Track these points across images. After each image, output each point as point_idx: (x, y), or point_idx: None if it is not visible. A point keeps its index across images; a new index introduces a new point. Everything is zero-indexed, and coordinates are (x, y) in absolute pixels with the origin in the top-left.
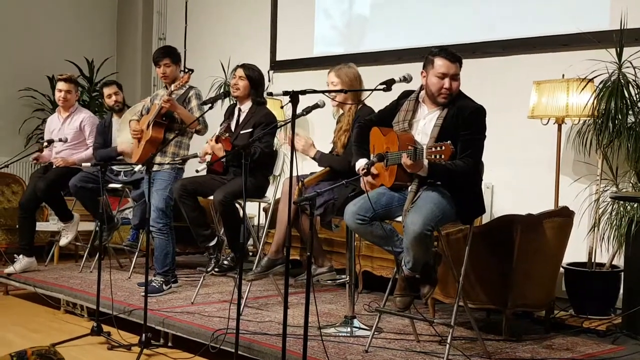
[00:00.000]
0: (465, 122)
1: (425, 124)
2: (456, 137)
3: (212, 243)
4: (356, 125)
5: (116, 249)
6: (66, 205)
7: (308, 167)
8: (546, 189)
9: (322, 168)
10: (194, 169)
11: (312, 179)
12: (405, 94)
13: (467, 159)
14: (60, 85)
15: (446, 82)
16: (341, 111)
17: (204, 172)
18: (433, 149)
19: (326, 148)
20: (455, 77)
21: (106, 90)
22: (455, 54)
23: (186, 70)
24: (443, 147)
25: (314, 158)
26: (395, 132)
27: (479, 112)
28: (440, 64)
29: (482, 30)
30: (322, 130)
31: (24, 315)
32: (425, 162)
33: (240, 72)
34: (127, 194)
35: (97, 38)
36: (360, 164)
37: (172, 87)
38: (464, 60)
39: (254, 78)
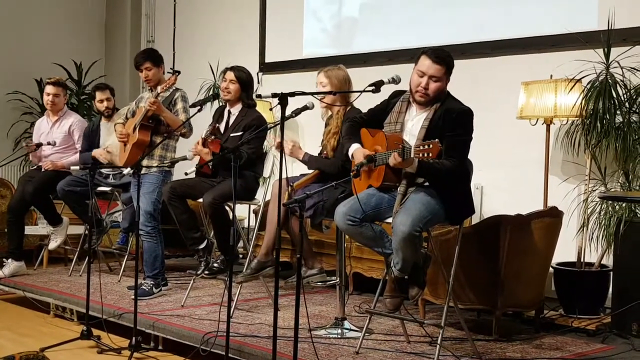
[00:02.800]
0: (452, 124)
1: (413, 125)
2: (442, 138)
3: (202, 246)
4: (346, 121)
5: (106, 253)
6: (55, 209)
7: (298, 169)
8: (535, 189)
9: (312, 170)
10: (183, 171)
11: (301, 182)
12: (396, 94)
13: (452, 159)
14: (49, 88)
15: (423, 81)
16: (330, 113)
17: (193, 175)
18: (421, 147)
19: (316, 150)
20: (435, 79)
21: (98, 95)
22: (444, 56)
23: (173, 71)
24: (431, 145)
25: (302, 160)
26: (384, 132)
27: (466, 114)
28: (422, 62)
29: (471, 31)
30: (311, 132)
31: (14, 320)
32: (415, 160)
33: (230, 75)
34: (117, 197)
35: (85, 41)
36: (354, 148)
37: (159, 89)
38: None
39: (244, 80)
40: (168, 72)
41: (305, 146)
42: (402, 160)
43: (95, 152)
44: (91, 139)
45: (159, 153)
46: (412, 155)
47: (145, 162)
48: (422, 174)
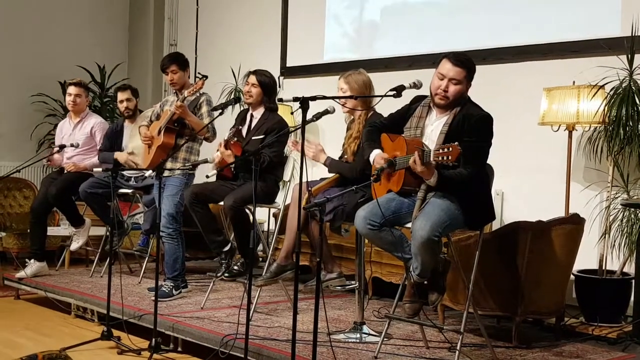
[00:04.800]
0: (470, 129)
1: (433, 130)
2: (461, 144)
3: (226, 249)
4: (367, 126)
5: (126, 254)
6: (77, 211)
7: (318, 173)
8: (557, 196)
9: (332, 174)
10: (204, 175)
11: (320, 186)
12: (417, 99)
13: (468, 167)
14: (70, 89)
15: (443, 84)
16: (352, 117)
17: (213, 178)
18: (440, 151)
19: (336, 154)
20: (455, 81)
21: (119, 95)
22: (464, 60)
23: (200, 76)
24: (450, 149)
25: (324, 164)
26: (404, 137)
27: (485, 120)
28: (443, 65)
29: (493, 37)
30: (332, 136)
31: (35, 320)
32: (435, 173)
33: (252, 79)
34: (138, 200)
35: (109, 44)
36: (375, 154)
37: (186, 93)
38: None
39: (267, 84)
40: (197, 77)
41: (326, 150)
42: (421, 163)
43: (119, 157)
44: (113, 139)
45: (182, 156)
46: (431, 159)
47: (168, 165)
48: (440, 187)
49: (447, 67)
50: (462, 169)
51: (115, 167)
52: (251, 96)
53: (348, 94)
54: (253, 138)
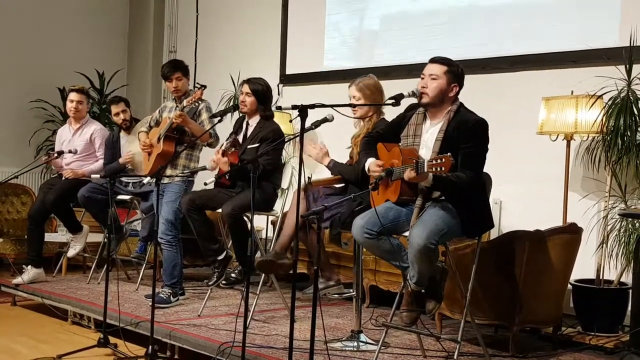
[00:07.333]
0: (466, 135)
1: (428, 137)
2: (458, 150)
3: (220, 257)
4: (365, 136)
5: (124, 261)
6: (75, 217)
7: (316, 179)
8: (554, 205)
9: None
10: (202, 182)
11: (320, 181)
12: (412, 107)
13: (467, 171)
14: (72, 95)
15: (423, 82)
16: (362, 122)
17: (211, 186)
18: (433, 162)
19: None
20: (433, 76)
21: (113, 108)
22: (442, 58)
23: (199, 86)
24: (443, 160)
25: (327, 166)
26: (399, 146)
27: (480, 125)
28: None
29: (492, 46)
30: (330, 144)
31: (31, 326)
32: (430, 174)
33: (245, 88)
34: (136, 206)
35: (108, 50)
36: (369, 161)
37: (185, 102)
38: (473, 76)
39: (260, 92)
40: (196, 86)
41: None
42: (416, 175)
43: (122, 160)
44: (113, 150)
45: (182, 163)
46: (425, 170)
47: (168, 172)
48: (437, 187)
49: (426, 67)
50: (460, 172)
51: (113, 173)
52: (245, 105)
53: (362, 101)
54: (249, 147)
